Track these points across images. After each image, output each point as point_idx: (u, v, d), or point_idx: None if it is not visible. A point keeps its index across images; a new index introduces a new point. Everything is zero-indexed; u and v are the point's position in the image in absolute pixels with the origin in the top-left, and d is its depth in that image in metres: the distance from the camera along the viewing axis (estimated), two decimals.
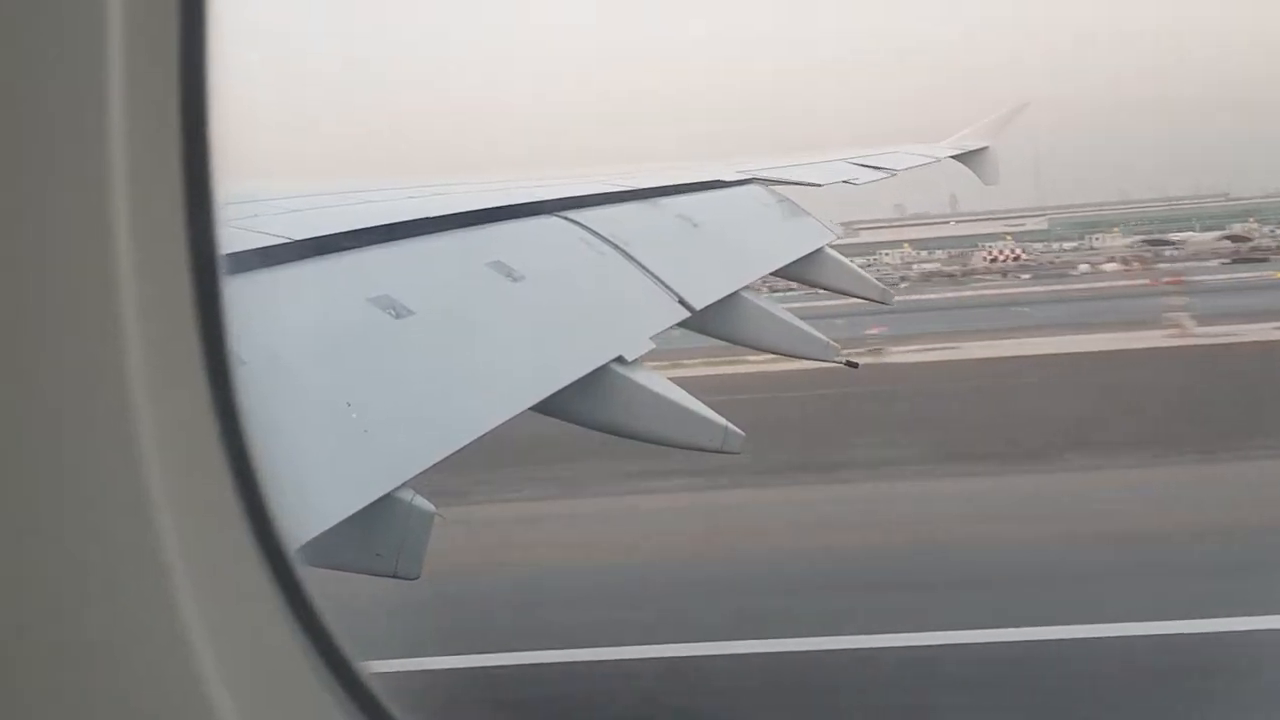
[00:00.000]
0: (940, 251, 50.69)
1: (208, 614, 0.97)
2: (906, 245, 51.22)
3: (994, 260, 43.49)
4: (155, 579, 0.95)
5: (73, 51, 0.90)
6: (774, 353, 5.68)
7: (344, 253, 3.29)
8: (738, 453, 3.80)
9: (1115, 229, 51.89)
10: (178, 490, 0.97)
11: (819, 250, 6.86)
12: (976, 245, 50.48)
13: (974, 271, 41.29)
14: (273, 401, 2.48)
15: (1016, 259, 43.20)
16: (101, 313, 0.93)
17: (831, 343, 5.69)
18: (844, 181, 8.57)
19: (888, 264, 45.78)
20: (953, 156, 11.50)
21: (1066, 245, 48.98)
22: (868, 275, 7.54)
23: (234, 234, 3.01)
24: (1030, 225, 54.75)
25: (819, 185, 8.14)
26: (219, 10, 1.03)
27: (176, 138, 0.98)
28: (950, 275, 41.06)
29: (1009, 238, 50.88)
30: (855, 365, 6.31)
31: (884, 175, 9.71)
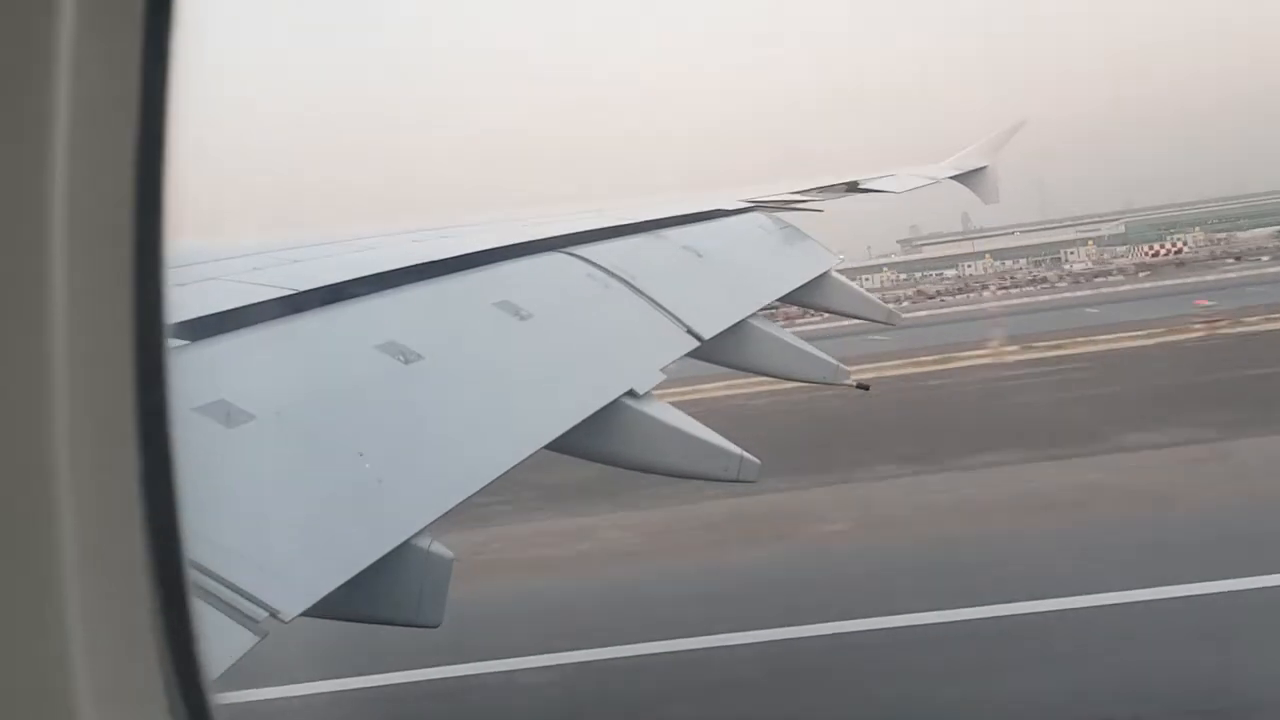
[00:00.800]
0: (1022, 260, 52.10)
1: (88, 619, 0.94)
2: (988, 255, 52.22)
3: (1157, 254, 45.18)
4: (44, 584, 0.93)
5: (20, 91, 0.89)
6: (784, 378, 5.65)
7: (349, 301, 3.29)
8: (753, 481, 3.76)
9: (1195, 229, 53.29)
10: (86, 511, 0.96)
11: (824, 274, 6.86)
12: (1055, 251, 51.63)
13: (1152, 265, 42.99)
14: (284, 454, 2.46)
15: (1178, 252, 45.13)
16: (36, 356, 0.92)
17: (841, 366, 5.67)
18: (851, 189, 8.61)
19: (1008, 269, 47.30)
20: (952, 177, 11.53)
21: (1147, 245, 50.62)
22: (872, 297, 7.54)
23: (236, 287, 3.01)
24: (1105, 230, 55.66)
25: (821, 210, 8.14)
26: (188, 44, 1.02)
27: (130, 184, 0.98)
28: (1161, 265, 42.59)
29: (1091, 243, 51.86)
30: (866, 388, 6.26)
31: (885, 197, 9.77)
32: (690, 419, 3.67)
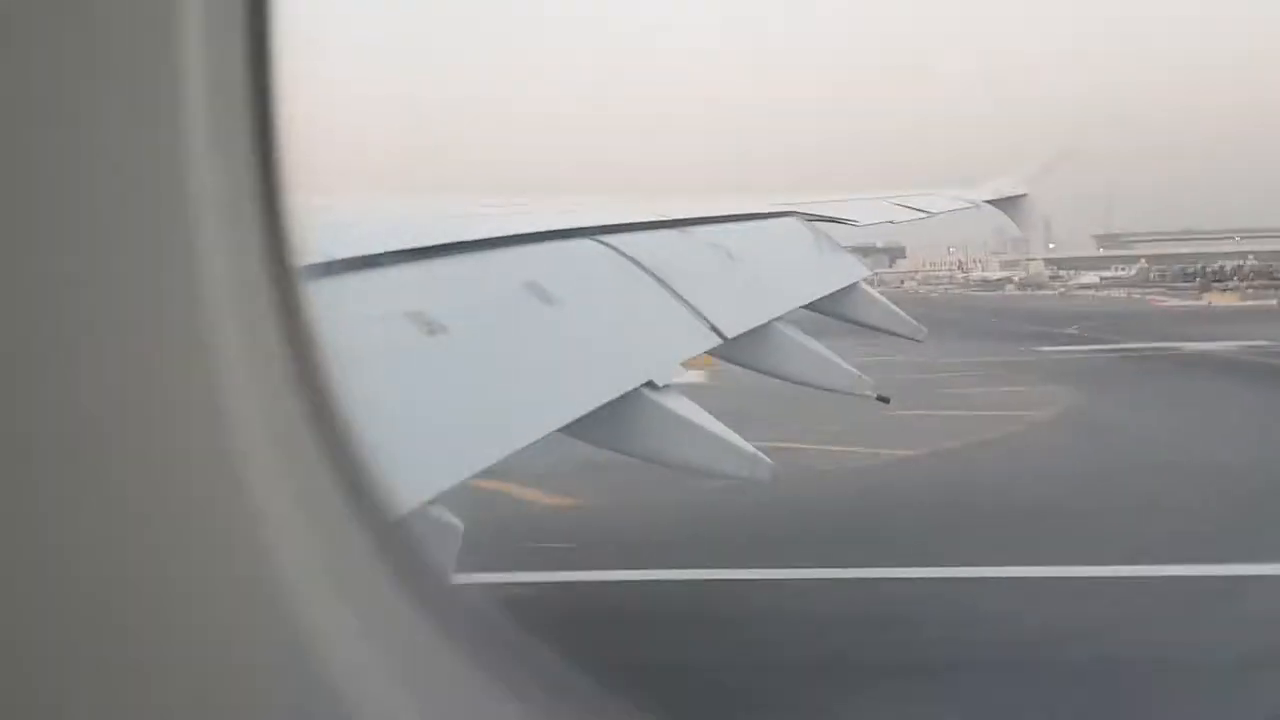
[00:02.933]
0: (1176, 266, 53.85)
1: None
2: (1143, 260, 53.74)
3: None
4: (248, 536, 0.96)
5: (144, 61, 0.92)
6: (803, 384, 5.65)
7: (382, 269, 3.33)
8: (765, 480, 3.77)
9: None
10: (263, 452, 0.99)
11: (853, 285, 6.85)
12: (1209, 261, 52.73)
13: None
14: None
15: None
16: (188, 318, 0.94)
17: (862, 376, 5.67)
18: (886, 220, 8.64)
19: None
20: (989, 201, 11.47)
21: None
22: (901, 312, 7.51)
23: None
24: (1228, 247, 56.66)
25: (857, 223, 8.14)
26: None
27: (249, 141, 1.00)
28: None
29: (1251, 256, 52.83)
30: (887, 400, 6.25)
31: (921, 216, 9.77)
32: (706, 414, 3.69)
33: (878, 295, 7.58)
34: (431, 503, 2.53)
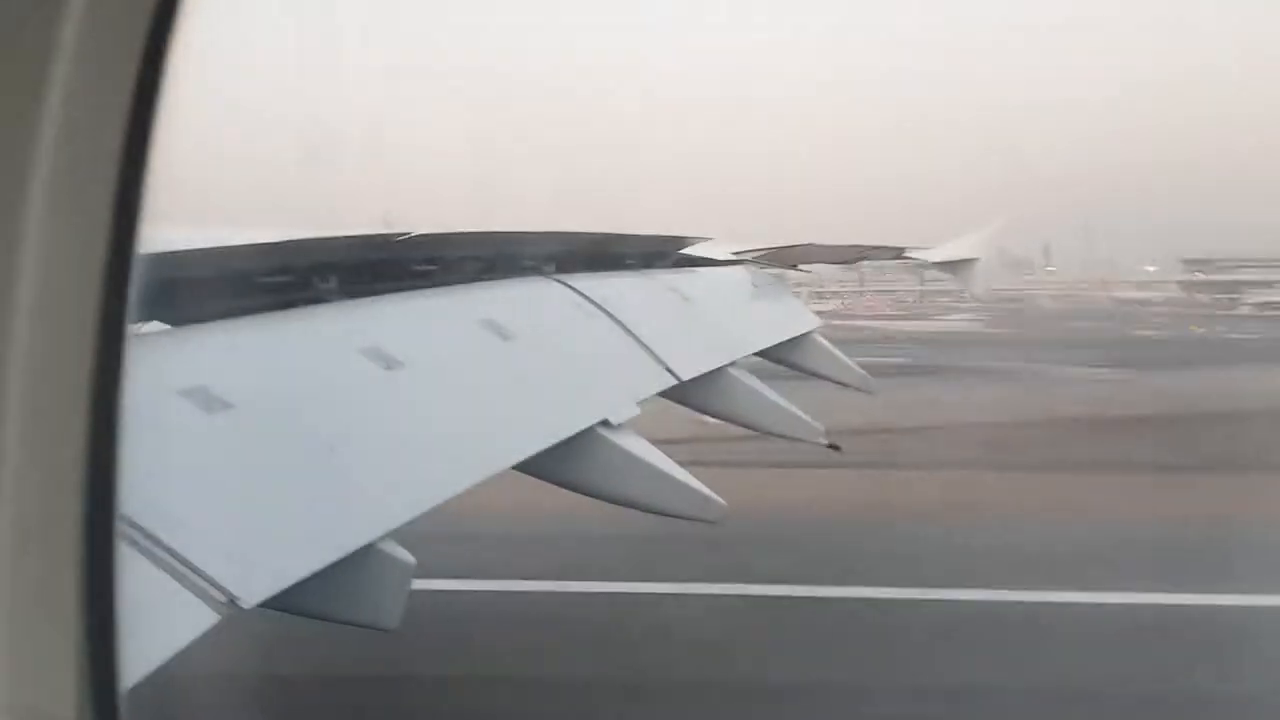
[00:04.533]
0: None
1: None
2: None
3: None
4: None
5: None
6: (755, 430, 5.71)
7: (338, 304, 3.35)
8: (715, 522, 3.81)
9: None
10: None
11: (807, 335, 6.97)
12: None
13: None
14: (261, 445, 2.50)
15: None
16: None
17: (814, 424, 5.73)
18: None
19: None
20: (937, 263, 11.73)
21: None
22: (851, 363, 7.61)
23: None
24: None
25: (808, 270, 8.29)
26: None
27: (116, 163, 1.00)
28: None
29: None
30: (838, 448, 6.32)
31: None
32: (661, 454, 3.72)
33: (829, 345, 7.70)
34: (384, 539, 2.53)
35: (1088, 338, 30.01)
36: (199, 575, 1.95)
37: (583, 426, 3.39)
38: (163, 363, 2.50)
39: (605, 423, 3.53)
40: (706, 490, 3.75)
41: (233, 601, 1.97)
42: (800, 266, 8.54)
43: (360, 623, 2.58)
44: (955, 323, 38.10)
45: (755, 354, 6.14)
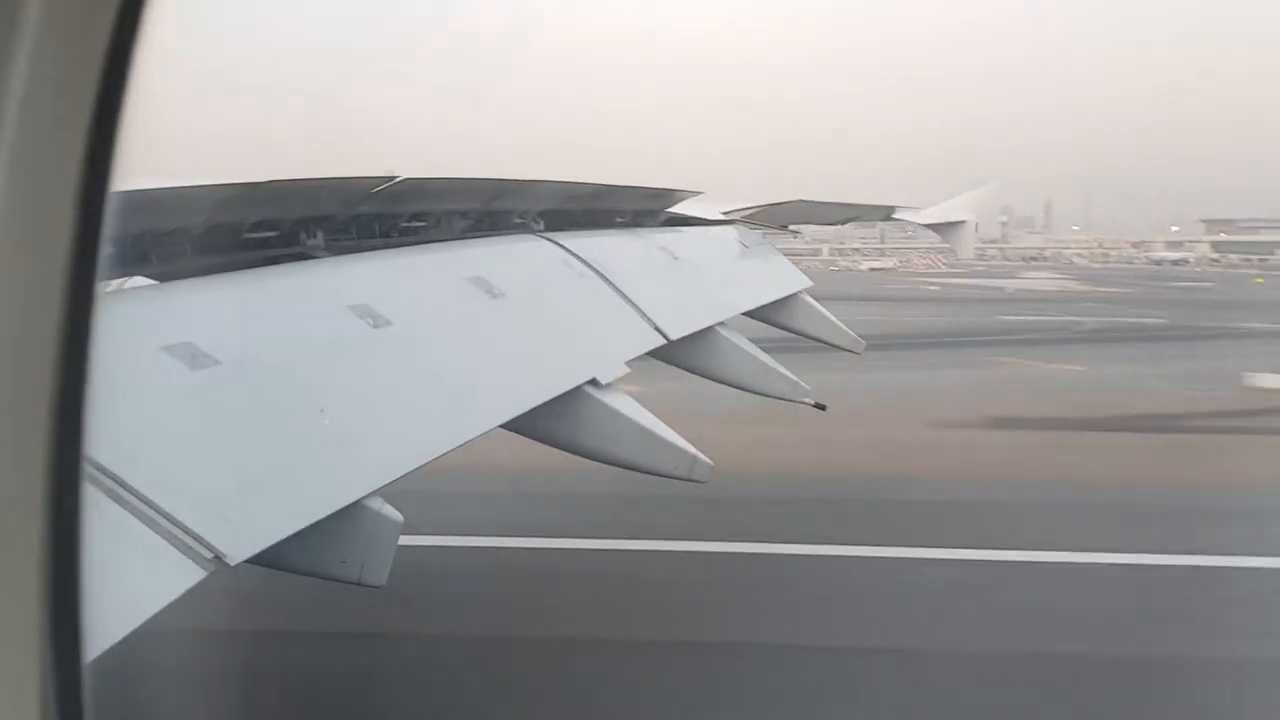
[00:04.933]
0: None
1: None
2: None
3: None
4: None
5: None
6: (743, 389, 5.71)
7: (325, 260, 3.31)
8: (703, 482, 3.82)
9: None
10: None
11: (795, 295, 6.94)
12: None
13: None
14: (248, 402, 2.48)
15: None
16: None
17: (801, 383, 5.74)
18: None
19: None
20: (928, 225, 11.71)
21: None
22: (840, 324, 7.59)
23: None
24: None
25: (797, 234, 8.25)
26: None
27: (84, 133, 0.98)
28: None
29: None
30: (823, 407, 6.33)
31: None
32: (648, 414, 3.72)
33: (819, 306, 7.68)
34: (372, 496, 2.52)
35: (1200, 298, 30.09)
36: (185, 532, 1.94)
37: (572, 385, 3.38)
38: (148, 318, 2.47)
39: (594, 382, 3.52)
40: (694, 450, 3.76)
41: (219, 558, 1.96)
42: (791, 226, 8.49)
43: (348, 580, 2.59)
44: (1041, 280, 37.52)
45: (744, 313, 6.13)
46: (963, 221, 12.06)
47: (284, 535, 2.16)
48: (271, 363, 2.62)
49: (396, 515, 2.58)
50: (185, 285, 2.67)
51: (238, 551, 2.02)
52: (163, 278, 2.67)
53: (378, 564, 2.58)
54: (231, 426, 2.37)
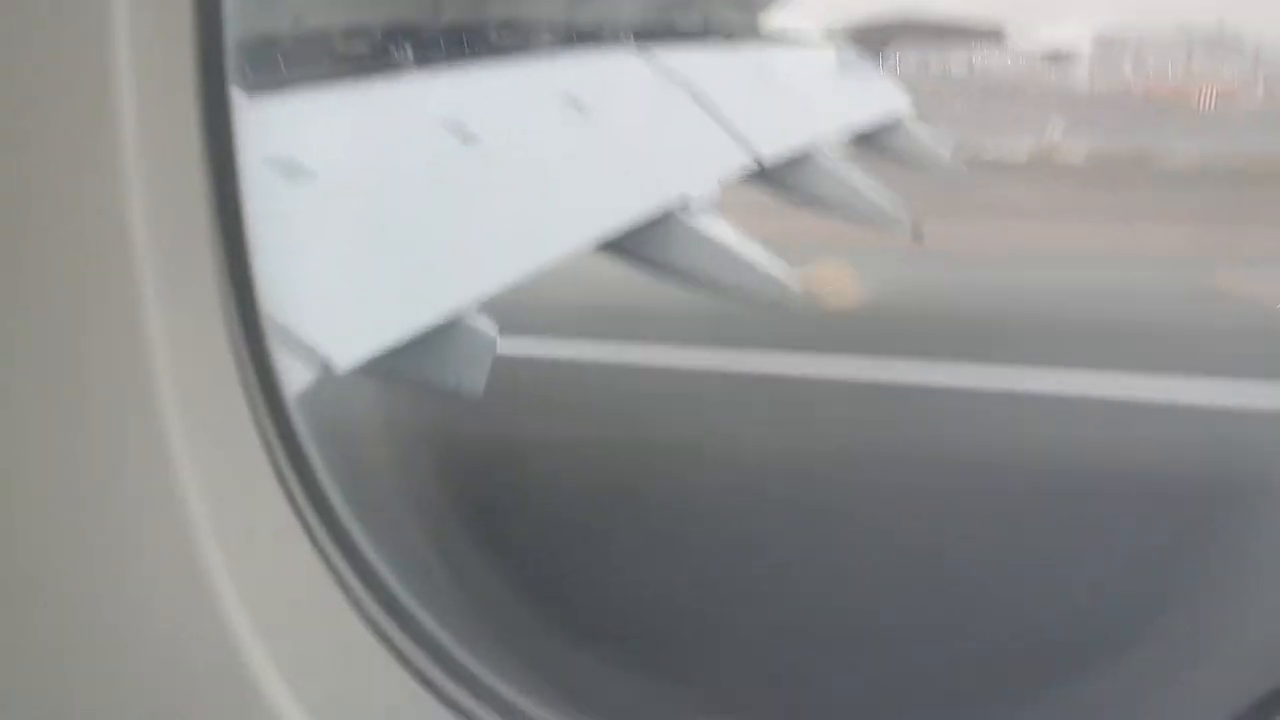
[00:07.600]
0: None
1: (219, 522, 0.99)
2: None
3: None
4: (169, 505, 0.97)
5: None
6: (839, 215, 5.56)
7: (414, 77, 3.27)
8: (794, 307, 3.79)
9: None
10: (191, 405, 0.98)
11: (897, 117, 6.65)
12: None
13: None
14: (346, 215, 2.52)
15: None
16: (108, 214, 0.93)
17: (901, 210, 5.56)
18: None
19: None
20: (1044, 56, 10.93)
21: None
22: (944, 148, 7.27)
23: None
24: None
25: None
26: None
27: None
28: None
29: None
30: (922, 238, 6.15)
31: None
32: (739, 237, 3.67)
33: (922, 128, 7.35)
34: (467, 312, 2.58)
35: None
36: (293, 340, 2.02)
37: (663, 206, 3.34)
38: (244, 130, 2.50)
39: (685, 203, 3.47)
40: (784, 275, 3.71)
41: (326, 364, 2.05)
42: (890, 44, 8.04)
43: (447, 388, 2.68)
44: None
45: (845, 136, 5.91)
46: (1080, 54, 11.16)
47: (386, 346, 2.24)
48: (366, 176, 2.64)
49: (492, 329, 2.64)
50: (275, 98, 2.69)
51: (344, 359, 2.11)
52: (250, 90, 2.69)
53: (475, 375, 2.66)
54: (330, 239, 2.42)
